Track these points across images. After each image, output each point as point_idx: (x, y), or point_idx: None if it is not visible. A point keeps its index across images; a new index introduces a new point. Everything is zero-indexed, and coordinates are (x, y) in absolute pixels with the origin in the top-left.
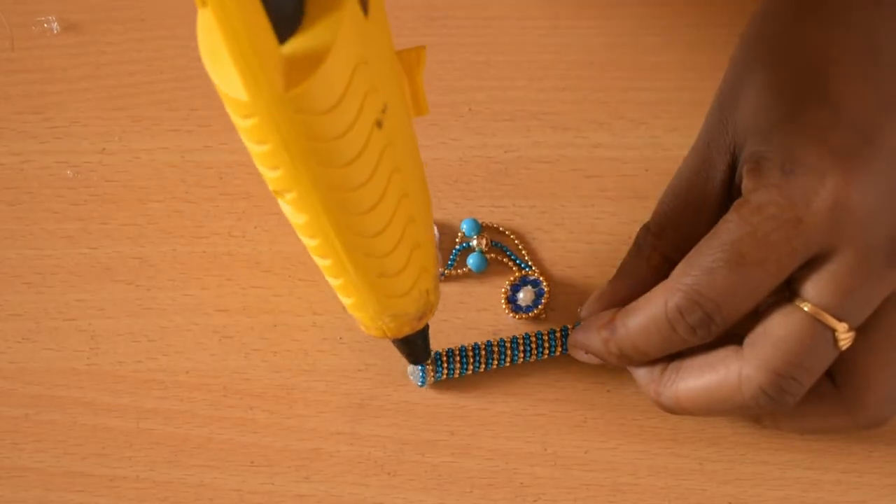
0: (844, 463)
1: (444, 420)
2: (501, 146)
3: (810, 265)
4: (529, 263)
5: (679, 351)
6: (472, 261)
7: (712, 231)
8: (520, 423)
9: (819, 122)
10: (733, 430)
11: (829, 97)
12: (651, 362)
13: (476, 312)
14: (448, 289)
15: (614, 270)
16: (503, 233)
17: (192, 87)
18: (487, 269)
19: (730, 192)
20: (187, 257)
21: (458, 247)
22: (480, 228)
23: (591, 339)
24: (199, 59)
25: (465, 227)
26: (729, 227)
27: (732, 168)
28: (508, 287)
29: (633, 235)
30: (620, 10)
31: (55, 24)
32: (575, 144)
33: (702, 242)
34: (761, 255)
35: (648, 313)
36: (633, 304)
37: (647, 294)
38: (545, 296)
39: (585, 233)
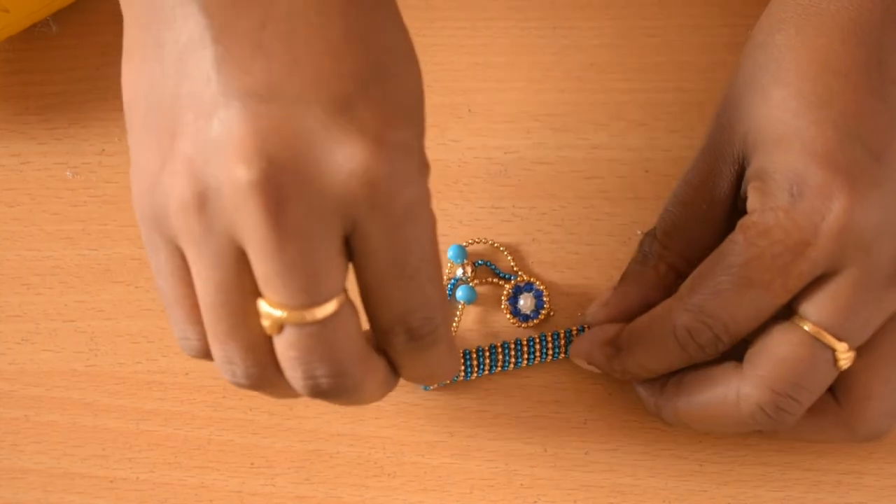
0: (844, 464)
1: (444, 421)
2: (501, 147)
3: (812, 284)
4: (516, 271)
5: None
6: (461, 294)
7: (719, 250)
8: (520, 425)
9: (826, 140)
10: None
11: (837, 113)
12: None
13: (476, 311)
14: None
15: (614, 272)
16: (491, 245)
17: None
18: (480, 288)
19: (736, 201)
20: None
21: (450, 284)
22: (466, 254)
23: (594, 354)
24: None
25: (451, 255)
26: (735, 250)
27: (739, 177)
28: (506, 300)
29: (633, 237)
30: (620, 12)
31: (53, 25)
32: (575, 146)
33: (708, 261)
34: (768, 277)
35: (656, 333)
36: (639, 321)
37: (653, 312)
38: (545, 296)
39: (585, 234)
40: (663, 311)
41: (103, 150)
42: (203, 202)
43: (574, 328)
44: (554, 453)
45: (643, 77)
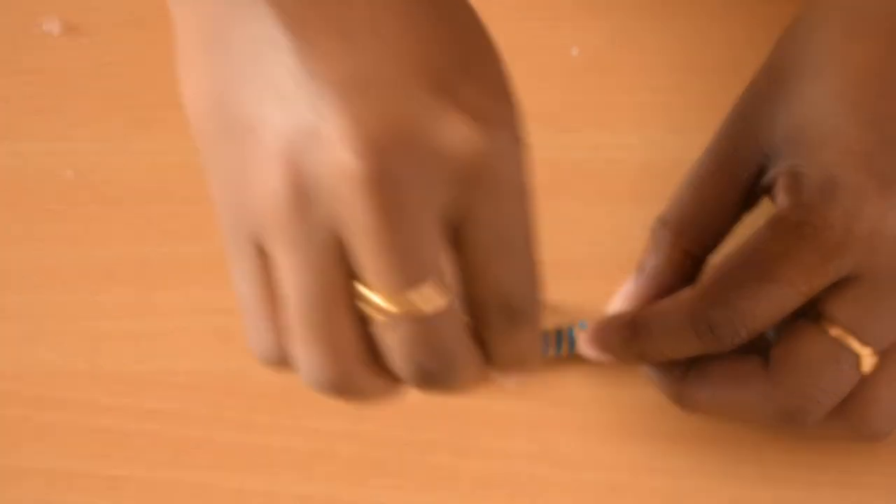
0: (845, 464)
1: (445, 420)
2: None
3: (838, 286)
4: None
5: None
6: None
7: (745, 243)
8: (520, 424)
9: (865, 143)
10: (733, 430)
11: (878, 118)
12: (669, 362)
13: None
14: None
15: (615, 272)
16: None
17: None
18: None
19: (755, 189)
20: (188, 258)
21: None
22: None
23: (609, 339)
24: None
25: None
26: (763, 244)
27: (761, 166)
28: None
29: (634, 237)
30: (621, 11)
31: (56, 26)
32: (574, 146)
33: (733, 254)
34: (793, 274)
35: (674, 319)
36: (658, 305)
37: (674, 298)
38: None
39: (585, 233)
40: (683, 299)
41: (104, 149)
42: (300, 193)
43: (575, 324)
44: (554, 452)
45: (643, 77)
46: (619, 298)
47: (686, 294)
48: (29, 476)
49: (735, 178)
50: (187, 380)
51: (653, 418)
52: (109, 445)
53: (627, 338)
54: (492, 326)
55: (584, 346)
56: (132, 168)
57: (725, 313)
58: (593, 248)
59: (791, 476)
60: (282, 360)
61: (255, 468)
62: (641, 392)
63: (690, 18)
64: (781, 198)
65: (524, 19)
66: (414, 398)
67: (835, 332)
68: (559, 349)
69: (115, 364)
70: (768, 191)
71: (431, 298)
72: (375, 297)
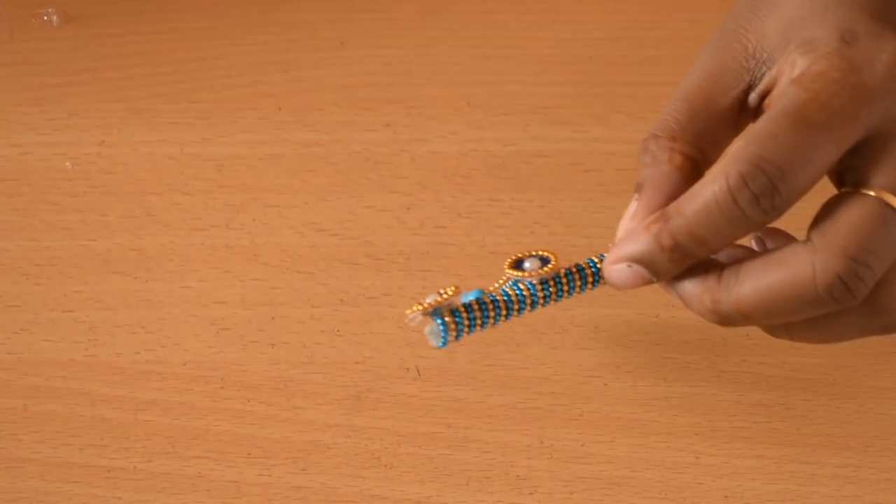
0: (840, 457)
1: (441, 413)
2: (500, 140)
3: (870, 148)
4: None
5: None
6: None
7: (772, 106)
8: (516, 416)
9: (873, 3)
10: (730, 423)
11: None
12: (703, 272)
13: None
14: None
15: None
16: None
17: (190, 79)
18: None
19: (748, 103)
20: (185, 249)
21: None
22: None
23: (638, 240)
24: (197, 51)
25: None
26: (790, 97)
27: (752, 77)
28: (509, 268)
29: None
30: (619, 5)
31: (55, 17)
32: (573, 139)
33: (759, 119)
34: (826, 118)
35: (708, 191)
36: (688, 190)
37: (704, 176)
38: (552, 261)
39: (583, 226)
40: (715, 169)
41: (103, 141)
42: None
43: (595, 257)
44: (550, 445)
45: (642, 70)
46: (626, 220)
47: (717, 165)
48: (25, 466)
49: (725, 88)
50: (184, 371)
51: (649, 412)
52: (106, 435)
53: (658, 231)
54: None
55: (610, 268)
56: (130, 159)
57: (760, 165)
58: (591, 240)
59: (787, 469)
60: None
61: (252, 459)
62: (639, 385)
63: (688, 12)
64: (800, 63)
65: (524, 12)
66: (410, 391)
67: (876, 193)
68: (584, 285)
69: (112, 354)
70: (766, 96)
71: None
72: None
